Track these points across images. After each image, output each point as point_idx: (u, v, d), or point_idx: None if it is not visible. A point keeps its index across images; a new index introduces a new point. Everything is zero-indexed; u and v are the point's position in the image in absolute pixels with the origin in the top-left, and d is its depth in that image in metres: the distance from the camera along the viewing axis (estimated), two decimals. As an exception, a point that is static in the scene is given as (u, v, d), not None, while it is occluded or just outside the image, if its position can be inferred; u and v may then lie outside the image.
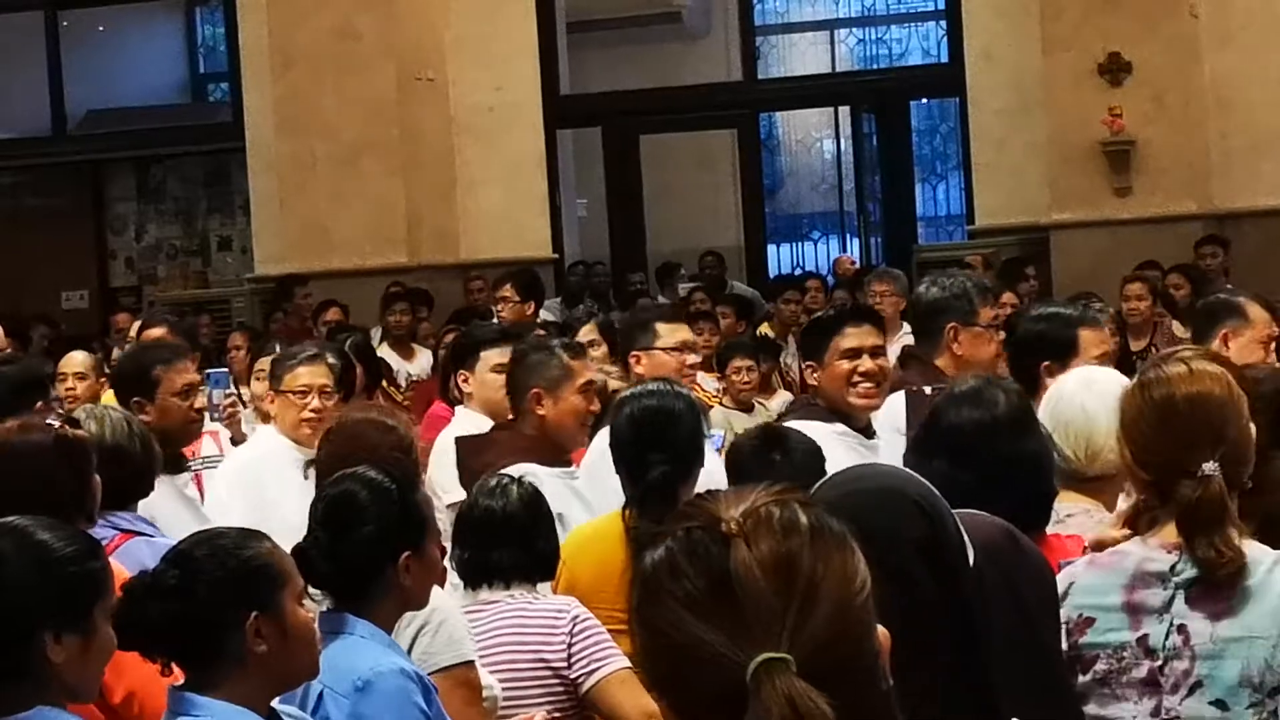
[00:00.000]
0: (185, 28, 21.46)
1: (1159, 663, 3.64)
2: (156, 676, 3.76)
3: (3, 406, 6.79)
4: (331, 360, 7.10)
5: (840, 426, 5.97)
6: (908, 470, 2.53)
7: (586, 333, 8.73)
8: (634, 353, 7.00)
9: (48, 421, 5.03)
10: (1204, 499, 3.59)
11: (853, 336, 6.07)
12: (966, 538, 2.44)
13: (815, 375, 6.15)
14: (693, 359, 7.11)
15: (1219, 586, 3.61)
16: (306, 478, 5.59)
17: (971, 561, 2.43)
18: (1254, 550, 3.64)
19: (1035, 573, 3.44)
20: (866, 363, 6.03)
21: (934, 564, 2.34)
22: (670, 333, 7.01)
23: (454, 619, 4.60)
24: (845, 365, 6.02)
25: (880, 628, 1.92)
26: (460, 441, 6.71)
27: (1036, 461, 4.05)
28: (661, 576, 1.89)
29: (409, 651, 4.42)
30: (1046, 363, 5.76)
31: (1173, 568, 3.65)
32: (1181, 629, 3.63)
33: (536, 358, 6.43)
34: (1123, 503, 4.39)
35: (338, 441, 5.33)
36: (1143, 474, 3.74)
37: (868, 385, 6.01)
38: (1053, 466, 4.16)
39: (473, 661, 4.56)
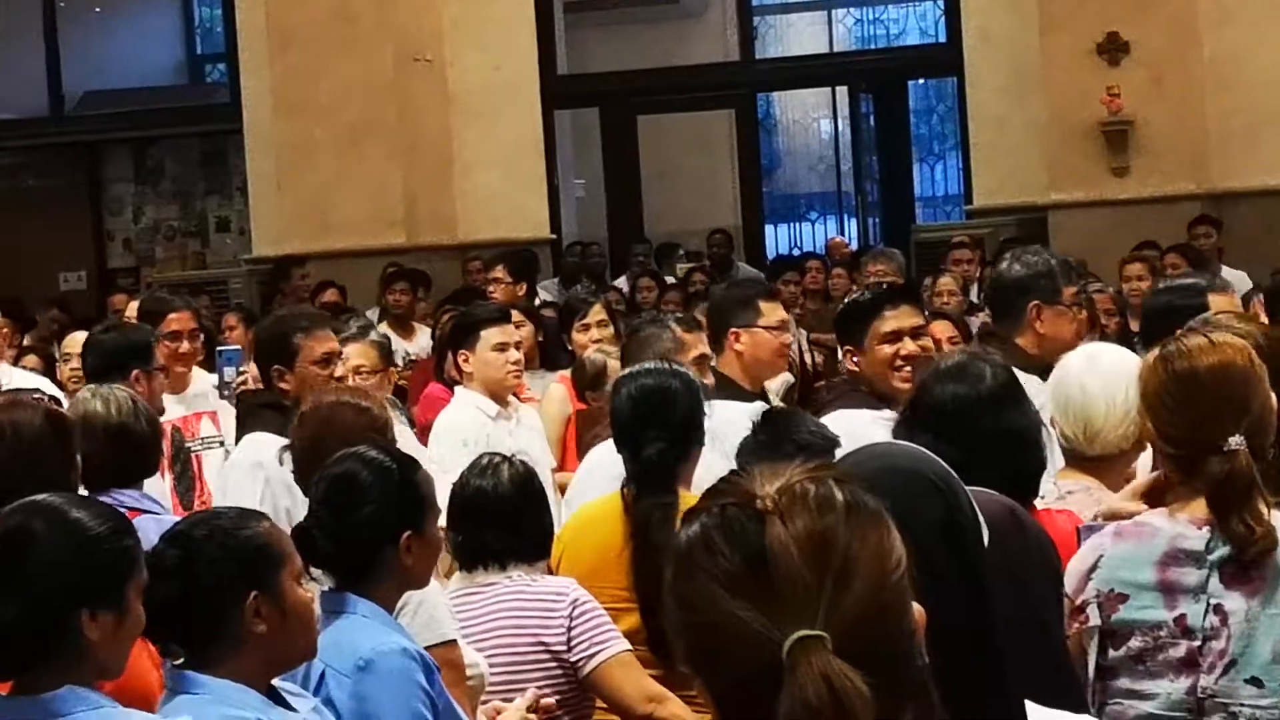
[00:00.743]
0: (182, 8, 21.42)
1: (1198, 643, 3.63)
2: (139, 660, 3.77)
3: (105, 372, 6.78)
4: (375, 338, 7.04)
5: (886, 412, 5.79)
6: (924, 449, 2.51)
7: (595, 313, 8.69)
8: (734, 329, 6.71)
9: (34, 396, 5.02)
10: (1232, 474, 3.58)
11: (892, 319, 5.94)
12: (981, 518, 2.44)
13: (855, 360, 6.00)
14: (787, 338, 6.97)
15: (1252, 564, 3.61)
16: (283, 463, 5.56)
17: (986, 542, 2.43)
18: None
19: (1038, 551, 3.43)
20: (908, 345, 5.89)
21: (952, 545, 2.34)
22: (771, 311, 6.81)
23: (433, 599, 4.58)
24: (887, 349, 5.87)
25: (916, 605, 1.91)
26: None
27: (1021, 436, 4.03)
28: (696, 553, 1.88)
29: (390, 633, 4.42)
30: (1179, 330, 5.74)
31: (1207, 545, 3.64)
32: (1219, 609, 3.62)
33: (650, 331, 6.47)
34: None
35: (311, 425, 5.29)
36: (1167, 448, 3.72)
37: (911, 369, 5.83)
38: (1039, 441, 4.14)
39: (454, 640, 4.55)
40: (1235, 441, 3.59)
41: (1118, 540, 3.76)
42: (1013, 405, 4.07)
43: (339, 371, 6.47)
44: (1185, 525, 3.68)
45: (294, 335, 6.44)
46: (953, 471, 2.44)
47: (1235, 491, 3.59)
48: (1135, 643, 3.69)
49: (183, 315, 7.98)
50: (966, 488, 2.47)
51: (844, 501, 1.89)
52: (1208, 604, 3.63)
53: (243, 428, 6.56)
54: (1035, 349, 5.98)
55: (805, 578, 1.83)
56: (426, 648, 4.33)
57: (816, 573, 1.84)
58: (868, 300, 6.18)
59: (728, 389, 6.42)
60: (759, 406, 6.54)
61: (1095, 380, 4.57)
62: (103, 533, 3.46)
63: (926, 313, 9.40)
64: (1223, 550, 3.63)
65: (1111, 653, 3.72)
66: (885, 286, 6.28)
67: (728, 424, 6.20)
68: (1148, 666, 3.68)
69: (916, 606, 1.91)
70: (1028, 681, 2.43)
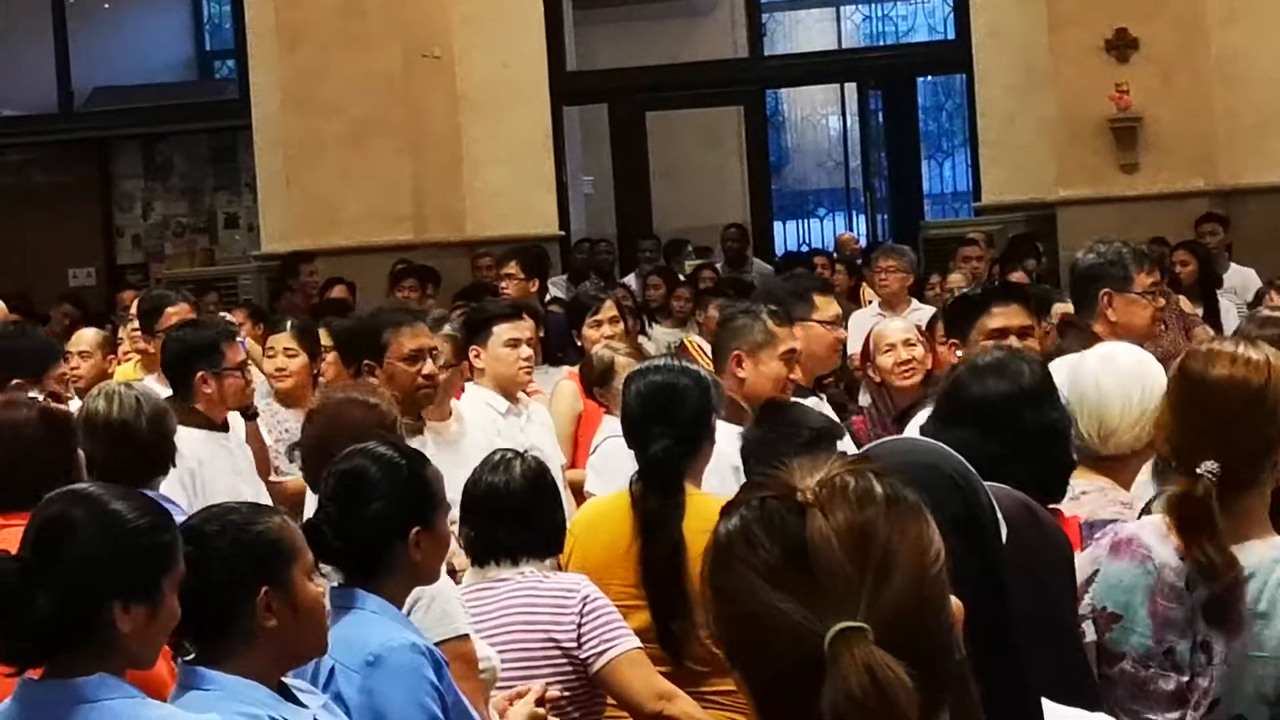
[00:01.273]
0: (191, 5, 21.46)
1: (1186, 678, 3.58)
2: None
3: (174, 374, 6.75)
4: (449, 331, 6.98)
5: None
6: (942, 445, 2.52)
7: (607, 309, 8.68)
8: None
9: (30, 395, 5.05)
10: (1186, 499, 3.51)
11: (1000, 316, 5.91)
12: (1000, 514, 2.45)
13: (959, 355, 5.87)
14: (841, 333, 7.00)
15: (1232, 602, 3.54)
16: (292, 460, 5.56)
17: (1004, 538, 2.43)
18: (1264, 553, 3.54)
19: (1054, 548, 3.41)
20: (1014, 343, 5.73)
21: (970, 541, 2.34)
22: (826, 305, 6.90)
23: (445, 593, 4.59)
24: (990, 346, 5.62)
25: (954, 599, 1.91)
26: None
27: (1057, 431, 4.03)
28: (736, 545, 1.88)
29: (402, 627, 4.43)
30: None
31: (1188, 580, 3.58)
32: (1205, 646, 3.57)
33: (741, 321, 6.43)
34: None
35: (319, 423, 5.29)
36: (1164, 447, 3.66)
37: None
38: (1071, 437, 4.13)
39: (467, 635, 4.55)
40: (1206, 466, 3.49)
41: (1113, 557, 3.70)
42: (1051, 400, 4.07)
43: (428, 369, 6.42)
44: (1173, 554, 3.61)
45: (384, 330, 6.45)
46: (971, 468, 2.44)
47: (1189, 517, 3.51)
48: (1128, 668, 3.63)
49: (180, 309, 7.99)
50: (985, 484, 2.47)
51: (884, 494, 1.89)
52: (1194, 640, 3.58)
53: None
54: (1109, 337, 5.92)
55: (846, 570, 1.83)
56: (439, 642, 4.33)
57: (857, 565, 1.83)
58: (978, 296, 6.13)
59: None
60: (811, 401, 6.55)
61: (1110, 379, 4.56)
62: (141, 525, 3.46)
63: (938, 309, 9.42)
64: (1203, 589, 3.55)
65: (1106, 669, 3.68)
66: (997, 283, 6.23)
67: None
68: (1141, 692, 3.63)
69: (954, 600, 1.92)
70: (1044, 677, 2.44)
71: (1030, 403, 3.99)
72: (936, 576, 1.89)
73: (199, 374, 6.67)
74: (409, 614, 4.40)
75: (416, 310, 7.20)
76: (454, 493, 4.94)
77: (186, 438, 6.41)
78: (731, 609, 1.88)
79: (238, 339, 6.98)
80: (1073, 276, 6.56)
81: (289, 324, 7.97)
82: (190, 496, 6.05)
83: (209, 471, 6.39)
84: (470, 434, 6.67)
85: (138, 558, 3.43)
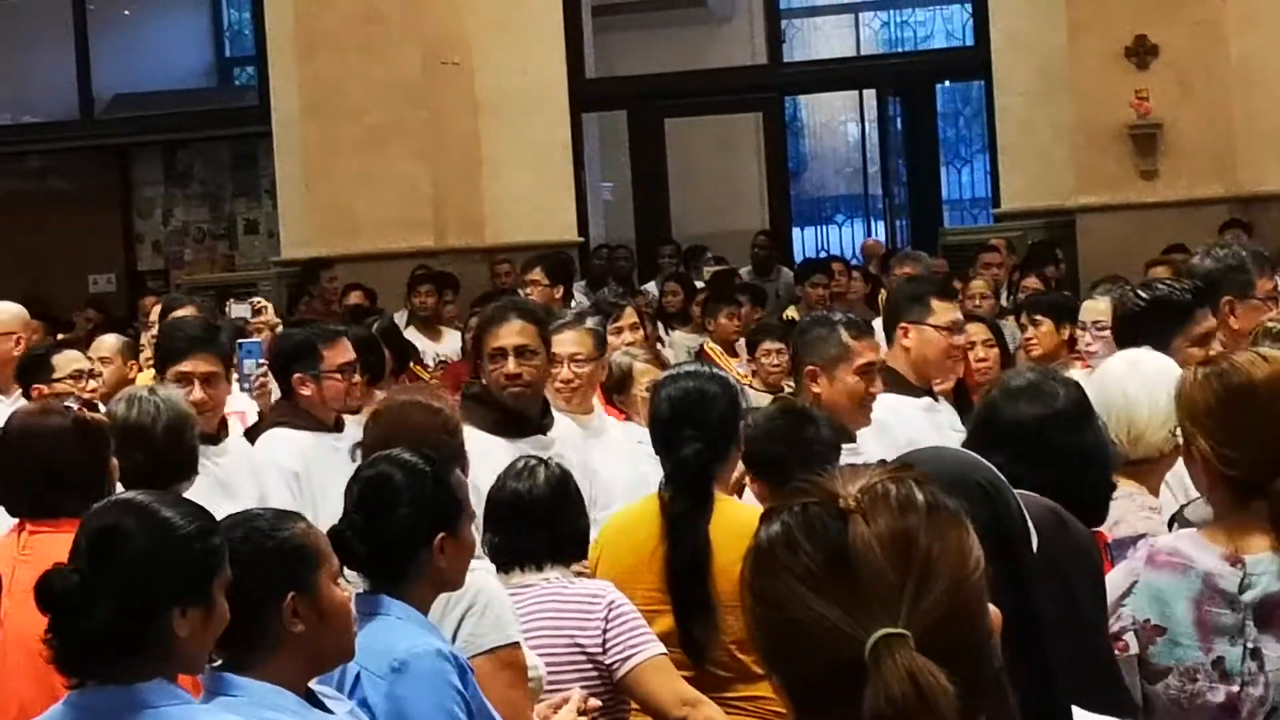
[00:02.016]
0: (211, 11, 21.49)
1: (1236, 688, 3.53)
2: None
3: (277, 376, 6.73)
4: (592, 325, 6.88)
5: None
6: (973, 454, 2.52)
7: (627, 316, 8.65)
8: (904, 324, 6.68)
9: (66, 405, 5.07)
10: None
11: (1205, 321, 5.70)
12: (1030, 524, 2.45)
13: None
14: (959, 340, 6.84)
15: None
16: (355, 460, 5.56)
17: (1035, 547, 2.44)
18: None
19: (1083, 554, 3.40)
20: (1217, 347, 5.56)
21: (999, 550, 2.35)
22: (944, 310, 6.75)
23: (500, 600, 4.60)
24: (1196, 353, 5.38)
25: (992, 607, 1.93)
26: None
27: (1093, 454, 3.99)
28: (778, 550, 1.90)
29: (455, 633, 4.43)
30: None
31: (1240, 585, 3.53)
32: (1256, 653, 3.52)
33: (817, 333, 6.30)
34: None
35: (383, 424, 5.29)
36: (1226, 470, 3.57)
37: None
38: (1109, 458, 4.09)
39: (519, 643, 4.57)
40: None
41: (1152, 569, 3.64)
42: (1086, 423, 4.02)
43: (510, 368, 6.24)
44: (1218, 561, 3.56)
45: (482, 332, 6.42)
46: (1002, 477, 2.44)
47: None
48: (1174, 682, 3.57)
49: (188, 310, 7.98)
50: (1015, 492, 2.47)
51: (925, 502, 1.91)
52: (1245, 647, 3.53)
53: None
54: (1231, 344, 5.62)
55: (888, 576, 1.85)
56: (492, 649, 4.37)
57: (899, 572, 1.85)
58: (1186, 301, 5.80)
59: (894, 384, 6.38)
60: (926, 402, 6.52)
61: (1137, 384, 4.55)
62: (191, 531, 3.47)
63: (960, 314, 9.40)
64: (1255, 591, 3.51)
65: (1148, 685, 3.63)
66: (1194, 286, 5.84)
67: (893, 414, 6.18)
68: (1189, 707, 3.56)
69: (992, 608, 1.93)
70: (1074, 683, 2.44)
71: (1064, 426, 3.95)
72: (976, 584, 1.91)
73: (296, 376, 6.56)
74: (461, 619, 4.41)
75: (519, 306, 6.93)
76: (599, 484, 5.21)
77: (294, 441, 6.44)
78: (772, 614, 1.89)
79: (343, 339, 6.81)
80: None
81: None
82: (298, 500, 6.01)
83: (318, 474, 6.32)
84: (610, 428, 6.69)
85: (191, 563, 3.45)
